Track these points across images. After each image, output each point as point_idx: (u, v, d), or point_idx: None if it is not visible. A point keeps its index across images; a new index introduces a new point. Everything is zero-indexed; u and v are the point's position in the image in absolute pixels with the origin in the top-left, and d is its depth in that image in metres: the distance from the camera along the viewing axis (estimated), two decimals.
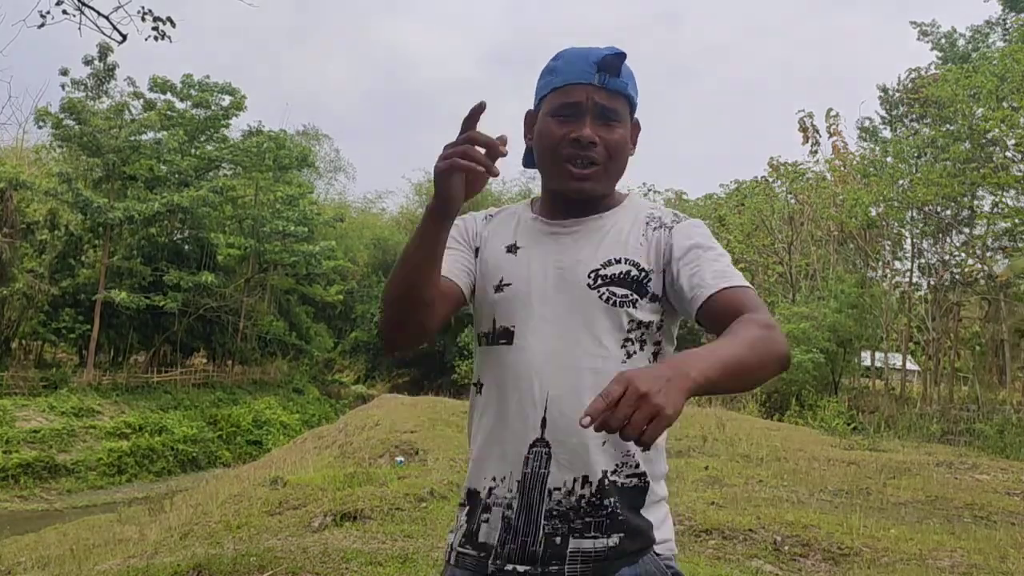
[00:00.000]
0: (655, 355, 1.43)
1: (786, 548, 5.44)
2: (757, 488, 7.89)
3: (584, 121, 1.41)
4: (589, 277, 1.41)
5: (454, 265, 1.46)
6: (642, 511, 1.39)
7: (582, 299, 1.40)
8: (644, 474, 1.39)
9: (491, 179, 1.33)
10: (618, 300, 1.39)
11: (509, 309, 1.44)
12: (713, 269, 1.36)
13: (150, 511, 10.84)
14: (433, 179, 1.26)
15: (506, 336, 1.43)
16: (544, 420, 1.37)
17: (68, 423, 25.04)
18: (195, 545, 6.03)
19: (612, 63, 1.41)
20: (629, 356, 1.40)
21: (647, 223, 1.47)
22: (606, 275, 1.41)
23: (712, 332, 1.34)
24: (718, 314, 1.31)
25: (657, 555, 1.39)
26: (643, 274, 1.42)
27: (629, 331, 1.40)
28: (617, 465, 1.37)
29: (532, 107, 1.53)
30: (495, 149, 1.25)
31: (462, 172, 1.24)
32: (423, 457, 10.53)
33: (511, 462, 1.38)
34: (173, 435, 27.23)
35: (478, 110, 1.25)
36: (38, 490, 22.41)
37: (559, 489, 1.35)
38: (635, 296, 1.40)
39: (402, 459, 10.29)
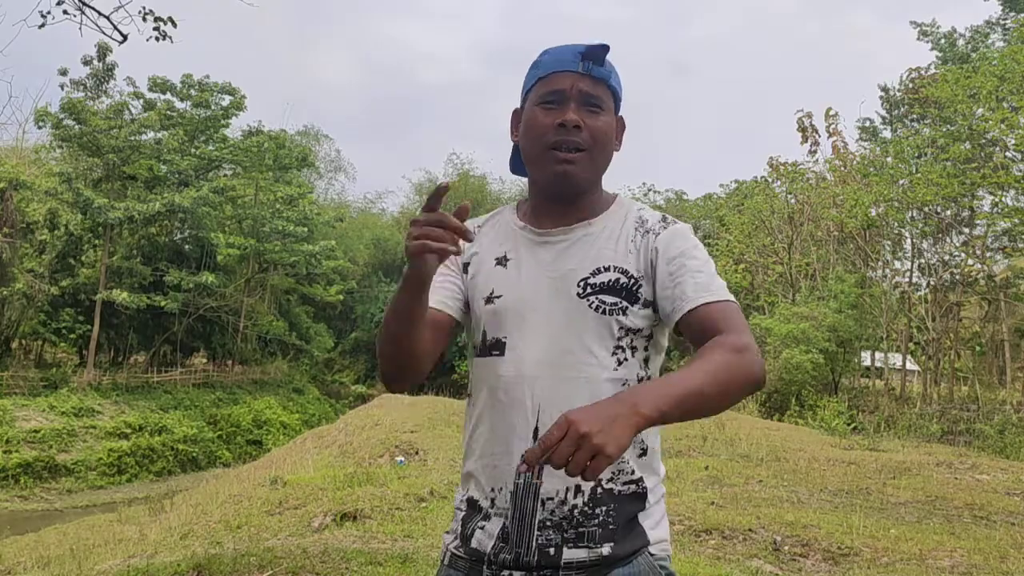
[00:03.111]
0: (645, 361, 1.43)
1: (786, 548, 5.44)
2: (757, 488, 7.89)
3: (568, 107, 1.41)
4: (579, 286, 1.41)
5: (443, 293, 1.48)
6: (639, 515, 1.39)
7: (572, 309, 1.40)
8: (641, 479, 1.40)
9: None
10: (607, 308, 1.40)
11: (500, 320, 1.44)
12: (695, 281, 1.36)
13: (150, 511, 10.85)
14: (406, 256, 1.28)
15: (498, 347, 1.43)
16: (536, 430, 1.37)
17: (68, 423, 25.05)
18: (195, 545, 6.04)
19: (596, 52, 1.42)
20: (620, 363, 1.40)
21: (636, 228, 1.46)
22: (595, 283, 1.41)
23: (692, 344, 1.36)
24: (696, 329, 1.34)
25: (651, 555, 1.40)
26: (632, 281, 1.41)
27: (619, 338, 1.40)
28: (613, 473, 1.37)
29: (519, 106, 1.53)
30: (466, 235, 1.26)
31: (434, 253, 1.26)
32: (423, 457, 10.53)
33: (506, 472, 1.38)
34: (173, 435, 27.23)
35: (442, 190, 1.26)
36: (38, 490, 22.41)
37: (552, 499, 1.35)
38: (625, 303, 1.40)
39: (402, 459, 10.29)
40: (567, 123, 1.40)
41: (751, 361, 1.26)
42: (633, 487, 1.39)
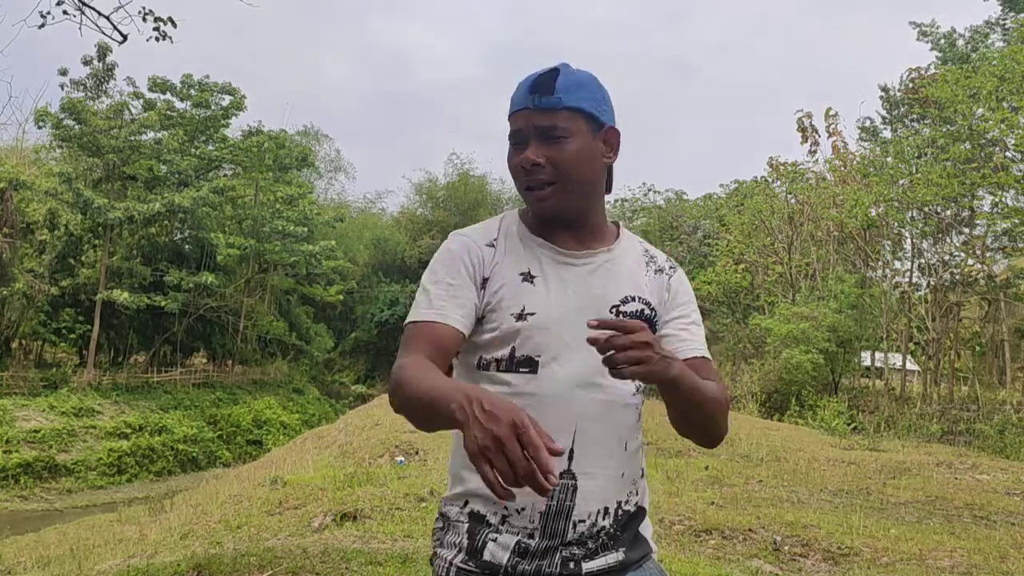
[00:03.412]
0: (648, 388, 1.52)
1: (786, 548, 5.44)
2: (757, 488, 7.89)
3: (528, 146, 1.42)
4: (611, 312, 1.46)
5: (459, 312, 1.41)
6: (640, 528, 1.49)
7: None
8: (640, 499, 1.51)
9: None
10: None
11: (533, 338, 1.41)
12: (696, 334, 1.54)
13: (150, 511, 10.84)
14: (467, 449, 1.09)
15: (528, 364, 1.41)
16: (572, 452, 1.39)
17: (68, 423, 25.03)
18: (195, 545, 6.03)
19: (543, 82, 1.41)
20: (638, 390, 1.48)
21: (647, 263, 1.56)
22: (626, 312, 1.47)
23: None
24: None
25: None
26: (653, 312, 1.51)
27: None
28: (628, 495, 1.47)
29: None
30: (542, 492, 1.07)
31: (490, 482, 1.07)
32: (423, 457, 10.53)
33: (533, 493, 1.36)
34: (173, 435, 27.22)
35: (556, 451, 1.06)
36: (38, 490, 22.40)
37: (584, 521, 1.39)
38: None
39: (402, 459, 10.28)
40: (524, 164, 1.42)
41: (727, 418, 1.47)
42: (634, 508, 1.49)
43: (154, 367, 33.51)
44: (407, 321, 1.44)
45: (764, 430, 13.76)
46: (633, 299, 1.48)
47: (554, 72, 1.41)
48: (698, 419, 1.41)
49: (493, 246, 1.50)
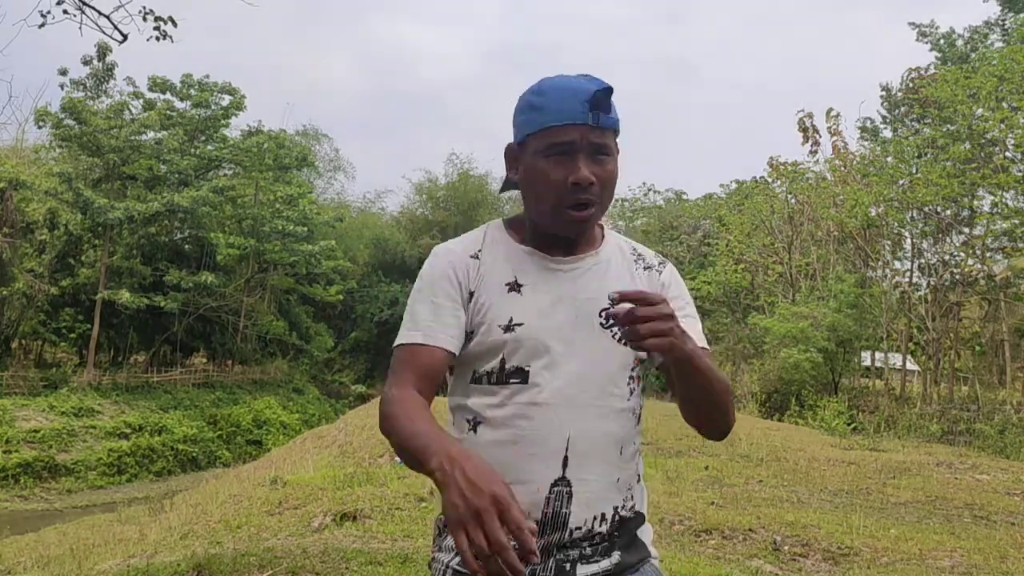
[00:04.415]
0: (643, 390, 1.50)
1: (786, 548, 5.44)
2: (757, 488, 7.89)
3: (578, 161, 1.37)
4: (600, 316, 1.42)
5: (447, 332, 1.41)
6: (638, 531, 1.48)
7: (596, 338, 1.42)
8: (636, 503, 1.49)
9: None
10: None
11: (523, 348, 1.40)
12: (692, 328, 1.44)
13: (150, 511, 10.83)
14: (444, 513, 1.10)
15: (519, 375, 1.40)
16: (566, 459, 1.37)
17: (68, 423, 25.04)
18: (195, 545, 6.03)
19: (603, 100, 1.37)
20: (631, 393, 1.45)
21: (635, 261, 1.54)
22: (617, 313, 1.42)
23: (669, 381, 1.44)
24: None
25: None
26: None
27: (632, 369, 1.45)
28: (624, 500, 1.44)
29: (513, 141, 1.48)
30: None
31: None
32: None
33: (529, 502, 1.35)
34: (173, 435, 27.22)
35: (532, 531, 1.06)
36: (38, 490, 22.41)
37: (580, 528, 1.38)
38: None
39: None
40: (582, 182, 1.37)
41: (733, 409, 1.45)
42: (632, 513, 1.47)
43: (154, 367, 33.51)
44: (395, 344, 1.43)
45: (764, 430, 13.76)
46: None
47: (610, 91, 1.37)
48: (709, 406, 1.39)
49: (477, 258, 1.47)
